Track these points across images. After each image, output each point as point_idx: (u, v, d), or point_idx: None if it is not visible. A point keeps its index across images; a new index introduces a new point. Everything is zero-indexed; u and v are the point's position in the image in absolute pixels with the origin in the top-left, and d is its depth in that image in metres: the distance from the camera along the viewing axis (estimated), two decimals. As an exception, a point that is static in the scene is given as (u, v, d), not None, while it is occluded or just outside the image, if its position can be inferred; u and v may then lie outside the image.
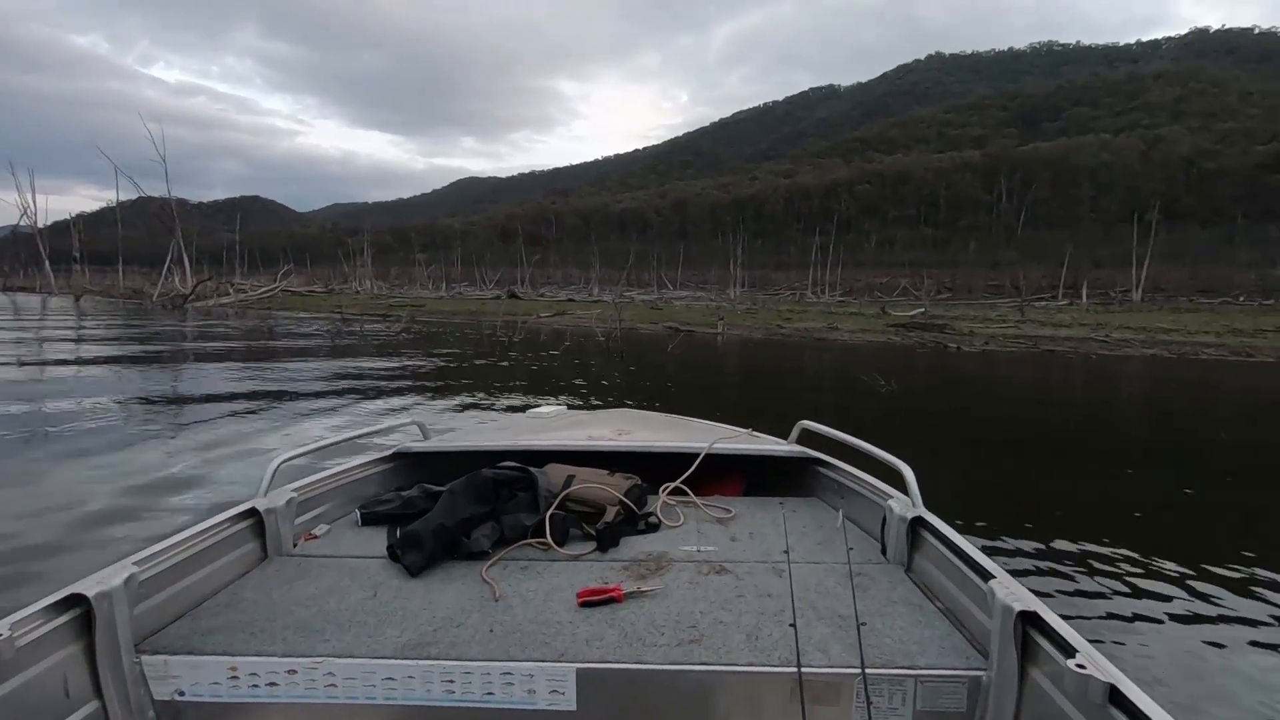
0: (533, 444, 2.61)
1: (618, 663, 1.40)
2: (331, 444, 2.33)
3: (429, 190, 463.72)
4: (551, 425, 3.25)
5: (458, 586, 1.75)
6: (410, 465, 2.65)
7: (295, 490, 2.07)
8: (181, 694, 1.41)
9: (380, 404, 7.94)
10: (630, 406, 6.10)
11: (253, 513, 1.89)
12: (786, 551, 1.89)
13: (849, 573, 1.72)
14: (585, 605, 1.63)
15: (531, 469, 2.18)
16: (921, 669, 1.37)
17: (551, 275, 75.19)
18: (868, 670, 1.32)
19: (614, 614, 1.59)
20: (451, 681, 1.39)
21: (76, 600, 1.33)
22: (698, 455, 2.49)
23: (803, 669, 1.32)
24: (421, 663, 1.40)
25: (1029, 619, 1.28)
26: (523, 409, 7.06)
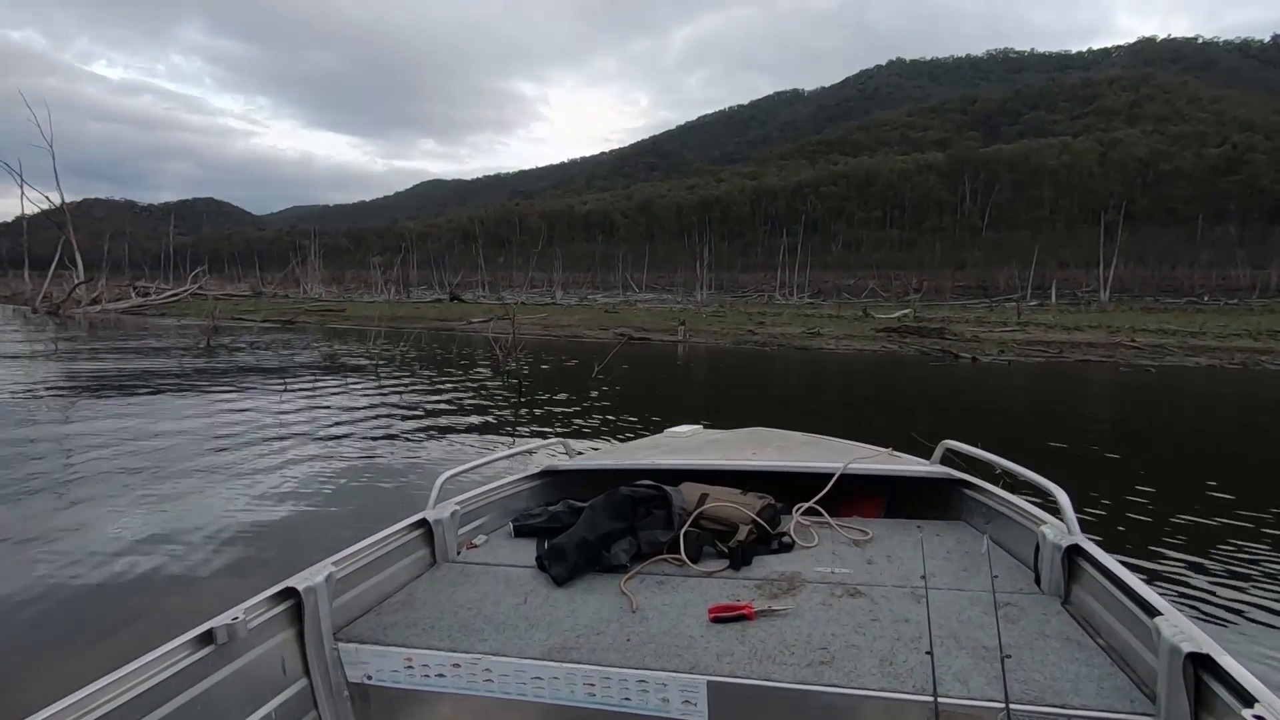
0: (669, 463, 2.64)
1: (747, 678, 1.42)
2: (488, 461, 2.56)
3: (391, 193, 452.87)
4: (688, 444, 3.32)
5: (598, 597, 1.83)
6: (557, 482, 2.80)
7: (458, 504, 2.24)
8: (369, 678, 1.60)
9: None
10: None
11: (423, 523, 2.09)
12: (924, 576, 1.80)
13: (994, 602, 1.60)
14: (717, 621, 1.65)
15: (666, 487, 2.23)
16: (1076, 709, 1.28)
17: (514, 278, 72.87)
18: (1013, 706, 1.25)
19: (745, 631, 1.61)
20: (592, 685, 1.48)
21: (289, 593, 1.54)
22: (833, 475, 2.44)
23: (940, 699, 1.27)
24: (565, 665, 1.50)
25: (1200, 661, 1.16)
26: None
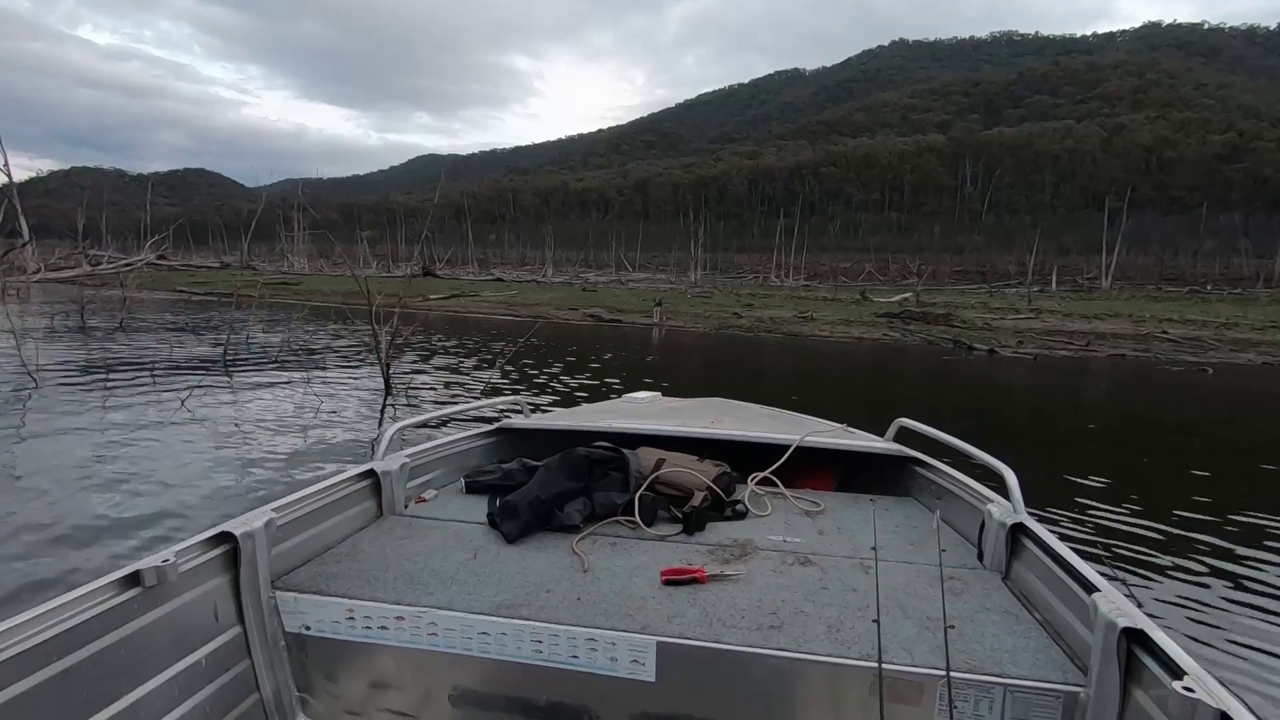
0: (627, 427, 2.61)
1: (697, 640, 1.43)
2: (443, 416, 2.73)
3: (386, 167, 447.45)
4: (646, 410, 3.34)
5: (550, 556, 1.83)
6: (512, 440, 2.74)
7: (409, 456, 2.20)
8: (308, 628, 1.57)
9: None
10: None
11: (371, 474, 2.04)
12: (875, 548, 1.86)
13: (940, 575, 1.64)
14: (668, 583, 1.66)
15: (624, 450, 2.21)
16: (1012, 678, 1.34)
17: (507, 255, 71.51)
18: (953, 674, 1.30)
19: (696, 594, 1.62)
20: (540, 642, 1.48)
21: (226, 538, 1.50)
22: (789, 447, 2.47)
23: (884, 665, 1.31)
24: (514, 621, 1.49)
25: (1134, 636, 1.21)
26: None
